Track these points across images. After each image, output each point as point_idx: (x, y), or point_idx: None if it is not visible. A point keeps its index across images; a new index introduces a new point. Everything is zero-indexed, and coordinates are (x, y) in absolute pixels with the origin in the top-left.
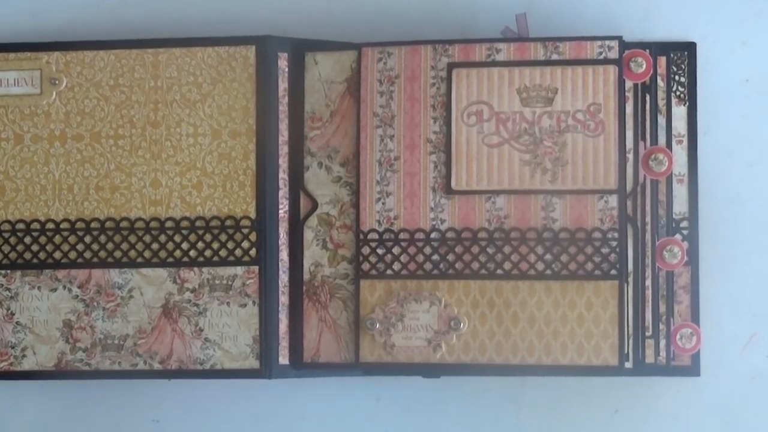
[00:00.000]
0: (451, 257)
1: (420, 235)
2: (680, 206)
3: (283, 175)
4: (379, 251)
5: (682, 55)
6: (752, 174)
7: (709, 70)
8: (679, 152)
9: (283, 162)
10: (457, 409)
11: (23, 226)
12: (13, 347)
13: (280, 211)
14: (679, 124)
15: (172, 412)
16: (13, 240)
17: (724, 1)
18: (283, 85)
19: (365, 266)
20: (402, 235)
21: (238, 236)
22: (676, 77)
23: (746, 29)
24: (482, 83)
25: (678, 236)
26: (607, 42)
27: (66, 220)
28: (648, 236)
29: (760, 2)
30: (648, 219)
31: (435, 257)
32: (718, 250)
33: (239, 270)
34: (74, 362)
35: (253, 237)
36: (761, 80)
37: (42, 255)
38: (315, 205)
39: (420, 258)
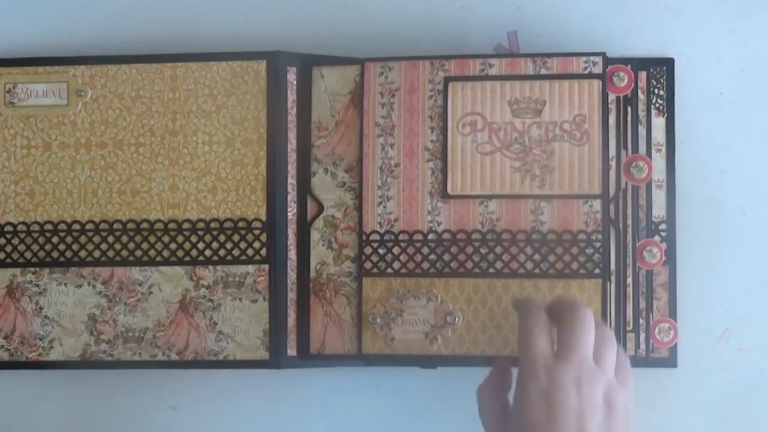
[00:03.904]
0: (446, 257)
1: (418, 237)
2: (659, 210)
3: (291, 181)
4: (381, 251)
5: (661, 69)
6: (725, 180)
7: (686, 84)
8: (658, 160)
9: (292, 168)
10: (452, 397)
11: (51, 227)
12: (41, 339)
13: (289, 214)
14: (658, 134)
15: (188, 400)
16: (41, 240)
17: (700, 20)
18: (291, 96)
19: (367, 265)
20: (401, 236)
21: (249, 237)
22: (656, 90)
23: (721, 46)
24: (476, 96)
25: (657, 238)
26: (591, 58)
27: (91, 221)
28: (629, 238)
29: (734, 21)
30: (629, 222)
31: (432, 257)
32: (694, 251)
33: (251, 268)
34: (98, 353)
35: (263, 238)
36: (735, 94)
37: (68, 254)
38: (321, 209)
39: (418, 257)
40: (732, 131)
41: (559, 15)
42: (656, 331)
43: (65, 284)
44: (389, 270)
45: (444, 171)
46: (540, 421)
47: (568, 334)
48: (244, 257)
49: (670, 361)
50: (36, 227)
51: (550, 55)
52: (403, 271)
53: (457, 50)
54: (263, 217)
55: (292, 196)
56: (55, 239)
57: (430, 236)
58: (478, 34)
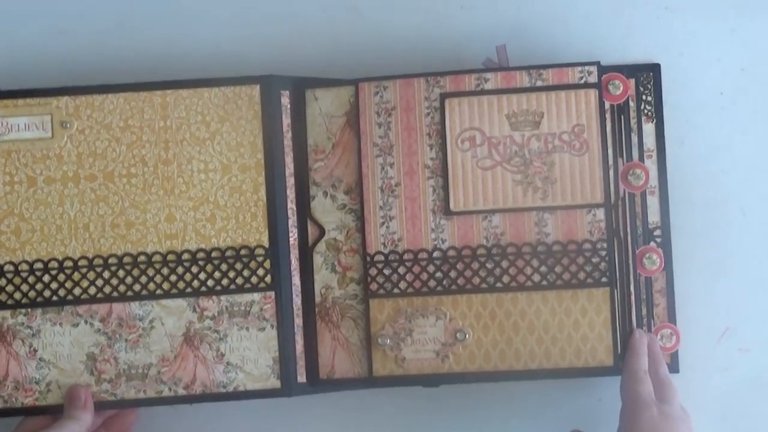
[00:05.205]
0: (453, 274)
1: (423, 255)
2: (653, 216)
3: (291, 205)
4: (386, 272)
5: (648, 76)
6: (725, 180)
7: (687, 84)
8: (650, 166)
9: (291, 193)
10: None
11: (41, 265)
12: (37, 383)
13: (291, 239)
14: (649, 140)
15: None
16: (31, 279)
17: (700, 20)
18: (286, 120)
19: (373, 286)
20: (406, 256)
21: (253, 264)
22: (644, 96)
23: (721, 46)
24: (473, 111)
25: (653, 244)
26: (587, 67)
27: (84, 257)
28: (629, 245)
29: (734, 21)
30: (628, 230)
31: (438, 274)
32: (694, 251)
33: (256, 296)
34: (100, 393)
35: (267, 264)
36: (735, 94)
37: (62, 292)
38: (322, 232)
39: (424, 276)
40: (732, 131)
41: (560, 15)
42: (659, 337)
43: (60, 324)
44: (396, 290)
45: (445, 188)
46: None
47: (667, 386)
48: (248, 285)
49: (672, 366)
50: (25, 266)
51: (545, 67)
52: (410, 290)
53: (458, 50)
54: (266, 244)
55: (292, 220)
56: (46, 278)
57: (435, 254)
58: (479, 33)
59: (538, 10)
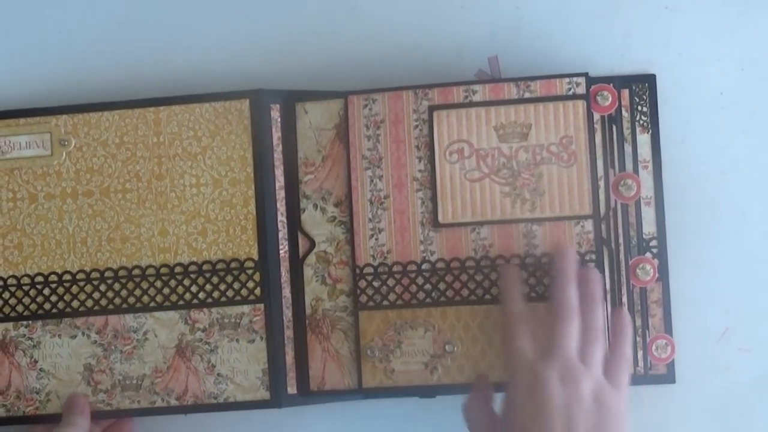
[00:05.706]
0: (442, 286)
1: (412, 267)
2: (649, 227)
3: (281, 218)
4: (375, 284)
5: (643, 86)
6: (726, 180)
7: (687, 83)
8: (646, 177)
9: (281, 206)
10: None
11: (42, 279)
12: (37, 392)
13: (281, 252)
14: (644, 150)
15: None
16: (33, 292)
17: (700, 20)
18: (276, 134)
19: (363, 298)
20: (395, 268)
21: (243, 277)
22: (639, 107)
23: (721, 46)
24: (461, 123)
25: (648, 255)
26: (575, 79)
27: (81, 271)
28: (622, 256)
29: (734, 21)
30: (621, 240)
31: (427, 287)
32: (694, 251)
33: (246, 308)
34: (96, 403)
35: (257, 277)
36: (735, 94)
37: (61, 305)
38: (312, 244)
39: (413, 288)
40: (732, 131)
41: (559, 15)
42: (653, 348)
43: (59, 336)
44: (385, 302)
45: (434, 200)
46: (528, 420)
47: (551, 329)
48: (238, 298)
49: (668, 377)
50: (26, 280)
51: (533, 79)
52: (399, 302)
53: (458, 51)
54: (255, 257)
55: (282, 233)
56: (46, 291)
57: (424, 266)
58: (478, 34)
59: (538, 8)
